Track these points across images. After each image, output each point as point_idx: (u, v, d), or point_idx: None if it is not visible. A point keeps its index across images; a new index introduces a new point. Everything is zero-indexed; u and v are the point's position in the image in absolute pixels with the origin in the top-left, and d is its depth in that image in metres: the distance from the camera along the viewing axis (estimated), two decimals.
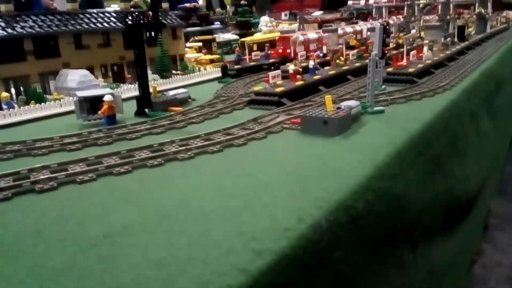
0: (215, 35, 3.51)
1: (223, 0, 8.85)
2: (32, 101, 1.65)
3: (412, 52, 2.17)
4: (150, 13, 1.47)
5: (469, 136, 1.95)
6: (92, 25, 1.99)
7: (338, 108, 1.33)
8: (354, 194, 0.88)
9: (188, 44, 2.83)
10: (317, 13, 5.18)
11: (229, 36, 3.67)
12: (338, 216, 0.80)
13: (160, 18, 1.89)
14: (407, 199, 1.17)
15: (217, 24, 4.35)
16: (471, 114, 1.95)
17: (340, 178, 0.93)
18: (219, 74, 2.32)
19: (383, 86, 1.81)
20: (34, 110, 1.60)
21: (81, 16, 2.00)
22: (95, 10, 2.11)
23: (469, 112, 1.92)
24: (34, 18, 1.84)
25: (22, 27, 1.77)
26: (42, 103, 1.64)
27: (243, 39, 2.93)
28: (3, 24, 1.72)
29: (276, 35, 3.00)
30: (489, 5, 4.38)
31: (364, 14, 4.56)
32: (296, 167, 1.00)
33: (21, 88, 1.76)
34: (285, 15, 6.32)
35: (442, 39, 2.58)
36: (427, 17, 3.85)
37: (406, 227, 1.16)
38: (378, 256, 0.99)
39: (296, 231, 0.70)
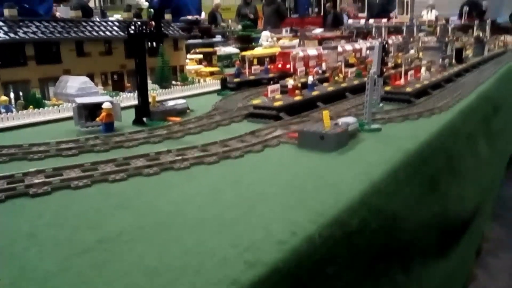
0: (216, 48, 3.54)
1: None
2: (31, 106, 1.65)
3: (410, 72, 2.19)
4: (153, 23, 1.49)
5: (465, 158, 1.96)
6: (94, 33, 2.01)
7: (336, 124, 1.34)
8: (349, 210, 0.88)
9: (189, 56, 2.85)
10: (318, 31, 5.24)
11: (230, 49, 3.70)
12: (333, 231, 0.80)
13: (163, 29, 1.91)
14: (402, 218, 1.17)
15: (218, 37, 4.39)
16: (468, 136, 1.96)
17: (335, 193, 0.93)
18: (219, 87, 2.33)
19: (381, 105, 1.82)
20: (32, 115, 1.60)
21: (84, 24, 2.02)
22: (98, 19, 2.13)
23: (466, 133, 1.94)
24: (37, 24, 1.85)
25: (24, 32, 1.78)
26: (41, 108, 1.64)
27: (243, 53, 2.95)
28: (5, 29, 1.74)
29: (277, 50, 3.03)
30: (487, 28, 4.45)
31: (363, 33, 4.61)
32: (292, 181, 1.00)
33: (21, 93, 1.76)
34: (286, 31, 6.39)
35: (440, 60, 2.61)
36: (426, 39, 3.90)
37: (400, 247, 1.16)
38: (371, 274, 0.98)
39: (290, 244, 0.70)
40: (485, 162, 2.31)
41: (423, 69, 2.30)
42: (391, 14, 4.91)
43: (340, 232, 0.82)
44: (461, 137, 1.89)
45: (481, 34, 3.77)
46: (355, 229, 0.87)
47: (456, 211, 1.82)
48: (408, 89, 1.97)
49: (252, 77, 2.47)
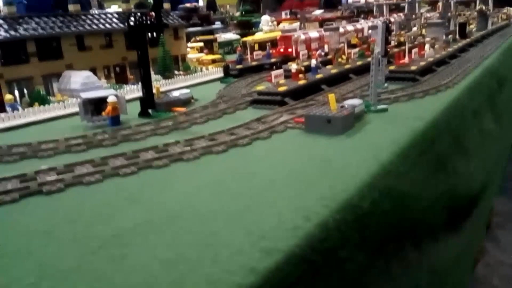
0: (216, 35, 3.51)
1: None
2: (36, 103, 1.65)
3: (414, 50, 2.17)
4: (153, 13, 1.48)
5: (472, 135, 1.95)
6: (94, 26, 2.00)
7: (342, 106, 1.33)
8: (359, 193, 0.88)
9: (189, 45, 2.83)
10: (317, 12, 5.18)
11: (230, 36, 3.67)
12: (345, 214, 0.80)
13: (162, 18, 1.90)
14: (412, 197, 1.18)
15: (218, 24, 4.35)
16: (474, 112, 1.95)
17: (345, 176, 0.93)
18: (221, 74, 2.32)
19: (386, 84, 1.81)
20: (38, 112, 1.61)
21: (83, 17, 2.01)
22: (97, 11, 2.11)
23: (472, 110, 1.92)
24: (37, 19, 1.85)
25: (25, 29, 1.77)
26: (46, 105, 1.65)
27: (244, 39, 2.93)
28: (6, 27, 1.73)
29: (277, 34, 3.00)
30: (490, 2, 4.37)
31: (364, 12, 4.56)
32: (301, 166, 1.01)
33: (25, 90, 1.77)
34: (286, 14, 6.32)
35: (444, 36, 2.58)
36: (428, 15, 3.85)
37: (410, 226, 1.17)
38: (383, 254, 0.99)
39: (304, 230, 0.70)
40: (492, 137, 2.30)
41: (426, 46, 2.28)
42: None
43: (352, 215, 0.83)
44: (467, 114, 1.88)
45: (484, 8, 3.71)
46: (367, 211, 0.88)
47: (464, 187, 1.82)
48: (413, 68, 1.95)
49: (254, 63, 2.46)
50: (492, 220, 3.11)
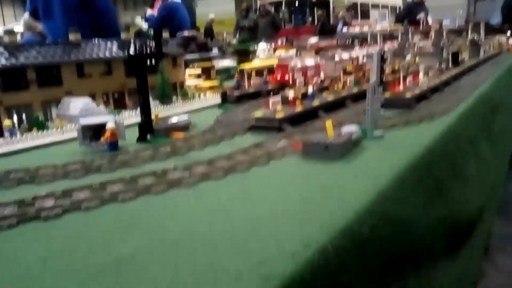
0: (214, 62, 3.56)
1: None
2: (35, 129, 1.66)
3: (409, 78, 2.21)
4: (153, 43, 1.51)
5: (468, 160, 1.97)
6: (94, 55, 2.03)
7: (339, 133, 1.35)
8: (358, 219, 0.88)
9: (187, 71, 2.87)
10: (313, 40, 5.28)
11: (228, 63, 3.72)
12: (344, 241, 0.80)
13: (162, 47, 1.93)
14: (411, 223, 1.18)
15: (215, 51, 4.43)
16: (470, 139, 1.98)
17: (344, 203, 0.93)
18: (219, 100, 2.35)
19: (382, 112, 1.83)
20: (37, 137, 1.61)
21: (84, 45, 2.04)
22: (97, 40, 2.15)
23: (467, 136, 1.95)
24: (38, 48, 1.87)
25: (25, 57, 1.80)
26: (44, 131, 1.65)
27: (242, 66, 2.97)
28: (6, 55, 1.75)
29: (274, 62, 3.05)
30: (482, 31, 4.49)
31: (359, 40, 4.65)
32: (300, 193, 1.01)
33: (24, 116, 1.78)
34: (282, 41, 6.45)
35: (437, 65, 2.63)
36: (421, 44, 3.94)
37: (410, 251, 1.16)
38: (383, 280, 0.98)
39: (303, 256, 0.70)
40: (488, 162, 2.32)
41: (421, 74, 2.32)
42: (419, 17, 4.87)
43: (351, 241, 0.82)
44: (463, 140, 1.90)
45: (475, 37, 3.80)
46: (366, 238, 0.88)
47: (462, 212, 1.82)
48: (408, 95, 1.98)
49: (251, 90, 2.49)
50: (490, 243, 3.10)
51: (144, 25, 1.97)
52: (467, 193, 1.88)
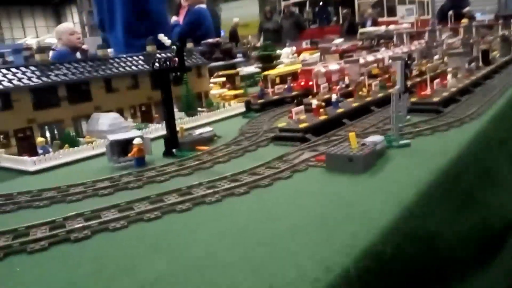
0: (238, 69, 3.59)
1: None
2: (66, 145, 1.72)
3: (436, 81, 2.16)
4: (176, 59, 1.54)
5: (500, 164, 1.90)
6: (121, 69, 2.08)
7: (363, 144, 1.33)
8: (382, 238, 0.87)
9: (212, 80, 2.90)
10: (338, 41, 5.22)
11: (252, 69, 3.74)
12: (367, 262, 0.79)
13: (185, 58, 1.96)
14: (439, 237, 1.15)
15: (239, 56, 4.46)
16: (501, 142, 1.91)
17: (367, 221, 0.92)
18: (243, 109, 2.36)
19: (408, 117, 1.80)
20: (68, 154, 1.67)
21: (111, 61, 2.10)
22: (124, 55, 2.21)
23: (499, 140, 1.88)
24: (68, 65, 1.94)
25: (56, 75, 1.86)
26: (76, 147, 1.71)
27: (265, 73, 2.98)
28: (38, 73, 1.83)
29: (298, 67, 3.05)
30: None
31: (385, 40, 4.57)
32: (323, 210, 1.00)
33: (55, 132, 1.84)
34: (306, 43, 6.42)
35: (466, 64, 2.55)
36: (450, 41, 3.83)
37: (438, 267, 1.13)
38: None
39: (325, 282, 0.70)
40: None
41: (449, 76, 2.26)
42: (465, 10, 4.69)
43: (374, 262, 0.81)
44: (494, 144, 1.83)
45: (506, 33, 3.66)
46: (390, 257, 0.86)
47: (495, 220, 1.76)
48: (435, 99, 1.93)
49: (275, 97, 2.49)
50: None
51: (167, 41, 1.99)
52: (501, 200, 1.82)
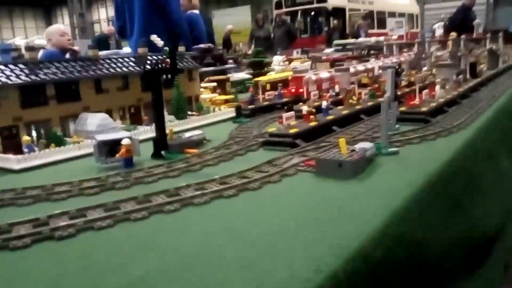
0: (229, 75, 3.59)
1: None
2: (53, 144, 1.69)
3: (425, 91, 2.18)
4: (168, 60, 1.53)
5: (487, 175, 1.92)
6: (111, 70, 2.07)
7: (352, 150, 1.34)
8: (372, 241, 0.87)
9: (203, 85, 2.90)
10: (328, 50, 5.28)
11: (243, 75, 3.75)
12: (356, 264, 0.79)
13: (177, 61, 1.96)
14: (427, 243, 1.15)
15: (230, 63, 4.46)
16: (488, 153, 1.93)
17: (357, 224, 0.92)
18: (234, 114, 2.36)
19: (397, 126, 1.81)
20: (54, 153, 1.64)
21: (102, 61, 2.08)
22: (115, 56, 2.19)
23: (486, 150, 1.91)
24: (57, 64, 1.92)
25: (45, 73, 1.84)
26: (62, 146, 1.68)
27: (256, 79, 2.99)
28: (27, 71, 1.80)
29: (289, 74, 3.06)
30: (500, 40, 4.41)
31: (375, 50, 4.63)
32: (312, 213, 1.00)
33: (42, 131, 1.81)
34: (297, 52, 6.47)
35: (454, 76, 2.59)
36: (438, 53, 3.89)
37: (427, 272, 1.14)
38: None
39: (314, 282, 0.69)
40: (508, 177, 2.26)
41: (437, 87, 2.29)
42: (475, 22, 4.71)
43: (364, 265, 0.81)
44: (481, 154, 1.86)
45: (494, 47, 3.74)
46: (380, 261, 0.86)
47: (481, 229, 1.78)
48: (424, 109, 1.96)
49: (266, 103, 2.50)
50: (511, 261, 3.01)
51: (160, 42, 1.98)
52: (487, 208, 1.84)
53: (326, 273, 0.72)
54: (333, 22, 11.09)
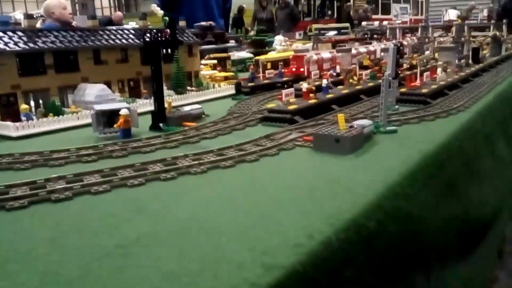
0: (230, 53, 3.56)
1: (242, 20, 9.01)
2: (51, 114, 1.69)
3: (426, 73, 2.17)
4: (168, 31, 1.51)
5: (484, 160, 1.93)
6: (111, 41, 2.05)
7: (351, 127, 1.34)
8: (365, 213, 0.88)
9: (203, 61, 2.87)
10: (331, 33, 5.22)
11: (244, 54, 3.72)
12: (349, 234, 0.80)
13: (177, 35, 1.93)
14: (421, 221, 1.16)
15: (232, 42, 4.42)
16: (486, 137, 1.93)
17: (351, 196, 0.93)
18: (233, 91, 2.35)
19: (396, 106, 1.81)
20: (52, 122, 1.64)
21: (101, 32, 2.06)
22: (114, 27, 2.17)
23: (484, 135, 1.91)
24: (56, 33, 1.90)
25: (43, 42, 1.82)
26: (60, 116, 1.68)
27: (257, 58, 2.96)
28: (25, 39, 1.78)
29: (290, 54, 3.03)
30: (504, 27, 4.37)
31: (378, 35, 4.58)
32: (308, 184, 1.01)
33: (40, 101, 1.80)
34: (299, 34, 6.40)
35: (457, 61, 2.57)
36: (442, 39, 3.86)
37: (419, 250, 1.15)
38: (390, 278, 0.98)
39: (307, 247, 0.70)
40: (505, 162, 2.27)
41: (439, 69, 2.28)
42: None
43: (357, 235, 0.82)
44: (479, 138, 1.86)
45: (497, 34, 3.71)
46: (373, 232, 0.87)
47: (476, 212, 1.79)
48: (424, 90, 1.95)
49: (266, 81, 2.48)
50: (504, 247, 3.04)
51: (160, 12, 1.95)
52: (482, 194, 1.85)
53: (318, 239, 0.73)
54: (337, 5, 10.94)
